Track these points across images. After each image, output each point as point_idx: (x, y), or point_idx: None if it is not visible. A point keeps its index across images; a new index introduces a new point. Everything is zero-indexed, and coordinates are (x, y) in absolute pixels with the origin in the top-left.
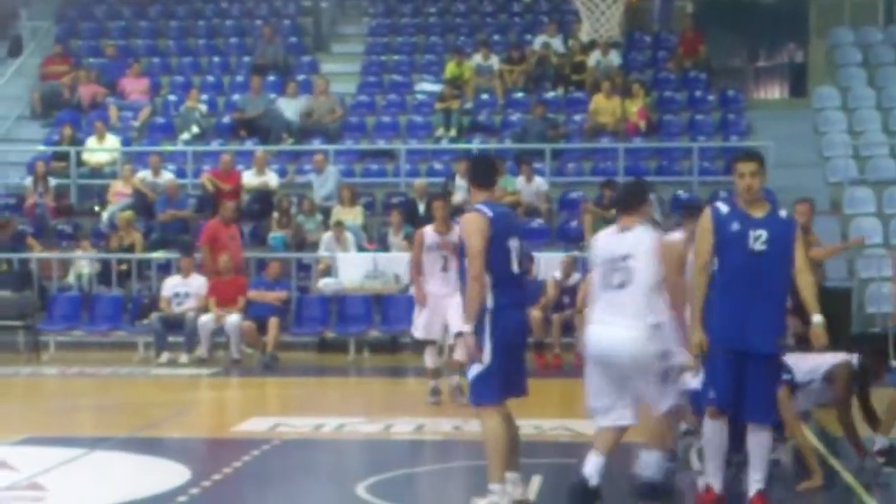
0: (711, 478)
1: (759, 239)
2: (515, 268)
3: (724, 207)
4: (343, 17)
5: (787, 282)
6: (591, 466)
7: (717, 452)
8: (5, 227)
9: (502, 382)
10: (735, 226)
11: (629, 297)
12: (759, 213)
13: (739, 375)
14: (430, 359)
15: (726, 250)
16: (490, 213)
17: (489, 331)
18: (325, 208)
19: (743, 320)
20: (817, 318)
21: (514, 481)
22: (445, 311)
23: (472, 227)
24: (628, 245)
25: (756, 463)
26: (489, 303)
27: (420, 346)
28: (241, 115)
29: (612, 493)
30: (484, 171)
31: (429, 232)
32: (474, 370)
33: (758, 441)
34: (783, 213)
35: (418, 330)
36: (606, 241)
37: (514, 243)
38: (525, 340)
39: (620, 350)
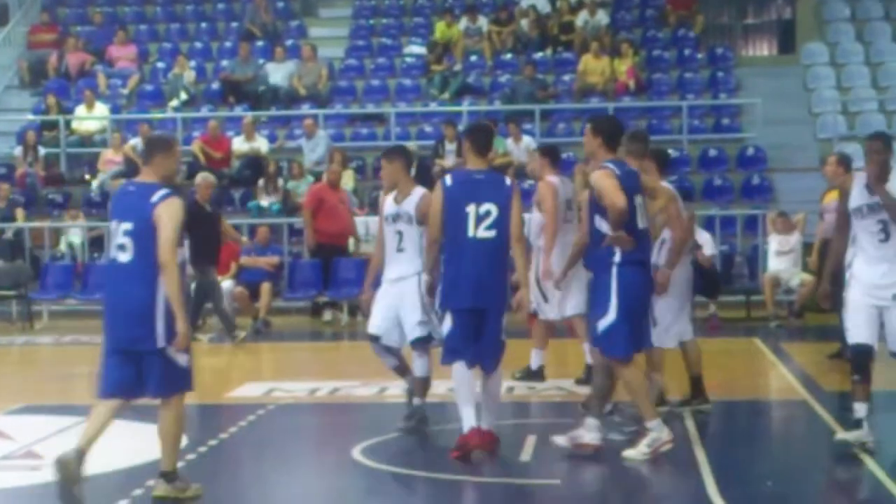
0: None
1: None
2: (640, 224)
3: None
4: None
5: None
6: None
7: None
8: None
9: (630, 335)
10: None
11: None
12: None
13: None
14: (389, 360)
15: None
16: (618, 171)
17: (615, 286)
18: (316, 173)
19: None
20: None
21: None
22: (398, 311)
23: (606, 183)
24: None
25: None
26: (616, 258)
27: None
28: (229, 76)
29: None
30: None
31: (388, 200)
32: (602, 323)
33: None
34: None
35: (374, 326)
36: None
37: (639, 200)
38: (650, 296)
39: None
